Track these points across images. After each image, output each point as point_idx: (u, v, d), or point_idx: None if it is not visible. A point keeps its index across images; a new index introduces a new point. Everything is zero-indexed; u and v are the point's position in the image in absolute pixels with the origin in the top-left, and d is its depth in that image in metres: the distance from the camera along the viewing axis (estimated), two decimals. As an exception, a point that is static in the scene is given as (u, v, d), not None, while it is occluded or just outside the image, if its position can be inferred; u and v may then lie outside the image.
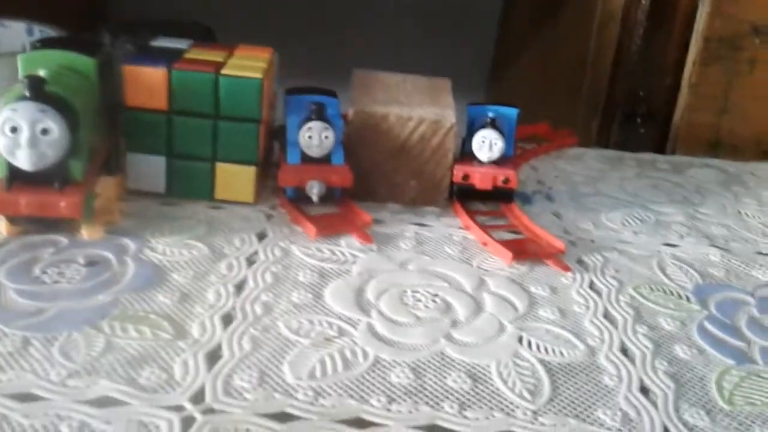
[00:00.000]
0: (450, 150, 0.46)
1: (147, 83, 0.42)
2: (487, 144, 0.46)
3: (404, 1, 1.01)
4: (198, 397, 0.29)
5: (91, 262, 0.37)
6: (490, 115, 0.46)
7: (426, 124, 0.45)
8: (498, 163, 0.46)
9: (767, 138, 0.67)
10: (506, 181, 0.46)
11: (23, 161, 0.36)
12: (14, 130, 0.35)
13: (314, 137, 0.43)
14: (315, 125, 0.43)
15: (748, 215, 0.52)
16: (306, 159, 0.44)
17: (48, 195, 0.36)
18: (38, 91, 0.35)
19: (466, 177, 0.46)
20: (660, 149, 0.68)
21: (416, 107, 0.46)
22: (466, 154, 0.47)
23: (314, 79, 0.48)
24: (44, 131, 0.35)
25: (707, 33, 0.65)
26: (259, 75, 0.42)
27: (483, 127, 0.46)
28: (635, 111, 0.69)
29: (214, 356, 0.31)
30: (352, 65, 0.53)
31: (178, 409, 0.28)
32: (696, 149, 0.66)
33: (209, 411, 0.28)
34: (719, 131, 0.67)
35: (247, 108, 0.42)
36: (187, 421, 0.27)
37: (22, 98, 0.35)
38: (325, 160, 0.44)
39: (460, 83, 0.55)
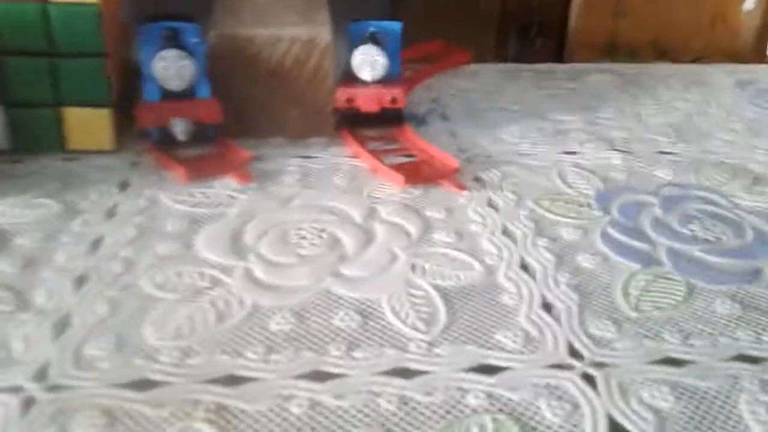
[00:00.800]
0: (329, 72, 0.42)
1: (-37, 20, 0.36)
2: (368, 61, 0.42)
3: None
4: (41, 375, 0.24)
5: None
6: (371, 29, 0.42)
7: (299, 44, 0.41)
8: (383, 82, 0.43)
9: (664, 39, 0.66)
10: (394, 100, 0.42)
11: None
12: None
13: (170, 68, 0.38)
14: (169, 54, 0.38)
15: (647, 116, 0.50)
16: (167, 95, 0.39)
17: None
18: None
19: (349, 100, 0.42)
20: (558, 60, 0.66)
21: (287, 27, 0.42)
22: (348, 77, 0.43)
23: (171, 4, 0.43)
24: None
25: (596, -68, 0.62)
26: (96, 0, 0.37)
27: (362, 43, 0.42)
28: (530, 22, 0.66)
29: (62, 325, 0.27)
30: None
31: (15, 390, 0.24)
32: (593, 56, 0.65)
33: (54, 388, 0.24)
34: (615, 36, 0.65)
35: (87, 40, 0.37)
36: (27, 403, 0.23)
37: None
38: (188, 93, 0.39)
39: (362, 5, 0.51)
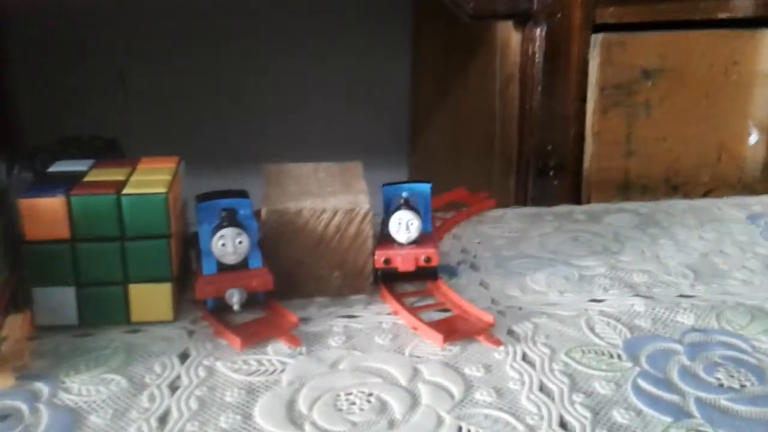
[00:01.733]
0: (368, 236, 0.46)
1: (45, 214, 0.40)
2: (404, 225, 0.46)
3: (314, 88, 1.02)
4: None
5: (1, 417, 0.35)
6: (404, 195, 0.47)
7: (340, 214, 0.45)
8: (418, 242, 0.46)
9: (674, 174, 0.70)
10: (428, 260, 0.46)
11: None
12: None
13: (228, 245, 0.42)
14: (227, 232, 0.42)
15: (665, 257, 0.53)
16: (222, 267, 0.43)
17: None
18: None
19: (387, 261, 0.46)
20: (575, 198, 0.70)
21: (329, 197, 0.46)
22: (386, 235, 0.47)
23: (227, 178, 0.48)
24: (-66, 286, 0.33)
25: (601, 82, 0.68)
26: (163, 189, 0.41)
27: (398, 209, 0.46)
28: (547, 164, 0.70)
29: (140, 506, 0.29)
30: (266, 155, 0.53)
31: None
32: (609, 193, 0.69)
33: None
34: (628, 174, 0.69)
35: (154, 225, 0.41)
36: None
37: None
38: (243, 265, 0.43)
39: (380, 158, 0.56)
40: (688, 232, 0.57)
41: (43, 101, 0.94)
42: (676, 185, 0.70)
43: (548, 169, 0.70)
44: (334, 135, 0.68)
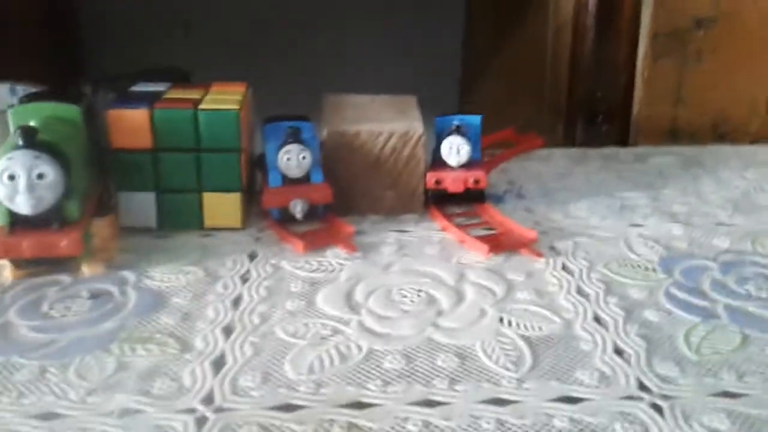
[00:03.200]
0: (421, 159, 0.49)
1: (130, 125, 0.44)
2: (455, 149, 0.49)
3: (369, 28, 1.05)
4: (208, 400, 0.31)
5: (94, 295, 0.39)
6: (456, 122, 0.50)
7: (396, 136, 0.48)
8: (467, 166, 0.49)
9: (722, 123, 0.71)
10: (476, 181, 0.49)
11: (23, 206, 0.38)
12: (12, 177, 0.38)
13: (293, 159, 0.46)
14: (292, 148, 0.46)
15: (706, 193, 0.55)
16: (287, 181, 0.47)
17: (48, 236, 0.39)
18: (31, 139, 0.38)
19: (438, 182, 0.49)
20: (623, 144, 0.71)
21: (385, 122, 0.50)
22: (437, 162, 0.50)
23: (288, 109, 0.51)
24: (40, 176, 0.38)
25: (654, 29, 0.69)
26: (235, 107, 0.45)
27: (449, 134, 0.49)
28: (596, 111, 0.72)
29: (219, 364, 0.33)
30: (323, 90, 0.56)
31: (191, 411, 0.30)
32: (656, 140, 0.70)
33: (220, 410, 0.30)
34: (676, 121, 0.71)
35: (227, 139, 0.45)
36: (200, 421, 0.29)
37: (17, 147, 0.38)
38: (305, 179, 0.47)
39: (433, 100, 0.58)
40: (731, 173, 0.59)
41: (110, 45, 1.00)
42: (723, 134, 0.71)
43: (597, 115, 0.72)
44: (387, 80, 0.70)
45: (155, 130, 0.45)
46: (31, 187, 0.38)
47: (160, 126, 0.45)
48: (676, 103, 0.71)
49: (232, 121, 0.45)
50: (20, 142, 0.38)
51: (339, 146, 0.48)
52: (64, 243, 0.39)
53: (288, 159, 0.46)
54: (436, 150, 0.50)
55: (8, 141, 0.39)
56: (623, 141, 0.72)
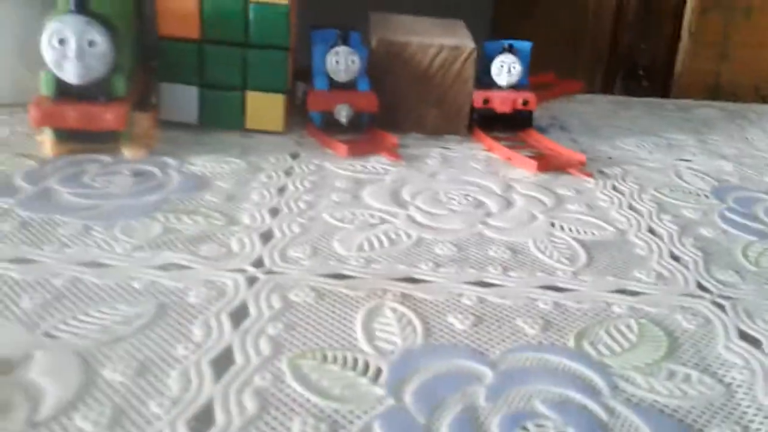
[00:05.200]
0: (470, 76, 0.48)
1: (180, 12, 0.43)
2: (506, 68, 0.48)
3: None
4: (258, 263, 0.30)
5: (137, 173, 0.39)
6: (507, 44, 0.48)
7: (446, 50, 0.47)
8: (516, 88, 0.48)
9: (765, 84, 0.70)
10: (525, 102, 0.48)
11: (70, 73, 0.37)
12: (62, 42, 0.37)
13: (341, 62, 0.45)
14: (342, 50, 0.45)
15: (753, 140, 0.54)
16: (334, 85, 0.46)
17: (94, 108, 0.38)
18: (84, 5, 0.37)
19: (486, 101, 0.48)
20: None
21: (435, 37, 0.48)
22: (485, 82, 0.49)
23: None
24: (90, 43, 0.37)
25: (704, -17, 0.68)
26: (286, 1, 0.44)
27: (501, 53, 0.48)
28: (638, 63, 0.71)
29: (267, 236, 0.33)
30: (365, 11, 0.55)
31: (241, 271, 0.29)
32: (697, 97, 0.69)
33: (270, 272, 0.29)
34: (719, 78, 0.69)
35: (276, 35, 0.44)
36: (251, 281, 0.29)
37: (69, 12, 0.37)
38: (352, 86, 0.46)
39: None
40: (778, 126, 0.58)
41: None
42: (765, 95, 0.70)
43: (638, 68, 0.71)
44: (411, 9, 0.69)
45: (204, 20, 0.44)
46: (81, 54, 0.37)
47: (208, 16, 0.44)
48: (720, 59, 0.69)
49: (283, 17, 0.44)
50: (72, 7, 0.37)
51: (388, 57, 0.47)
52: (110, 116, 0.38)
53: (336, 62, 0.45)
54: (484, 74, 0.49)
55: (59, 5, 0.38)
56: (664, 96, 0.71)
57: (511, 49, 0.48)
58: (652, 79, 0.72)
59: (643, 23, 0.70)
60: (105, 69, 0.38)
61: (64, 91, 0.38)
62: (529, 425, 0.21)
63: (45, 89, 0.38)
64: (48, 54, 0.37)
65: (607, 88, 0.72)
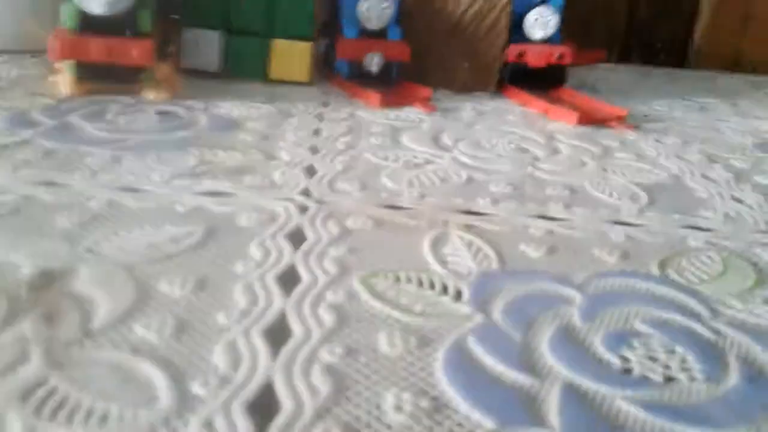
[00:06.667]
0: (504, 28, 0.46)
1: (206, -50, 0.41)
2: (542, 21, 0.46)
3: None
4: (306, 193, 0.28)
5: (162, 112, 0.36)
6: (541, -2, 0.47)
7: (480, 1, 0.45)
8: (550, 42, 0.47)
9: (785, 59, 0.69)
10: (561, 57, 0.46)
11: (96, 4, 0.35)
12: (88, -32, 0.35)
13: (373, 9, 0.43)
14: (374, -5, 0.43)
15: (786, 106, 0.53)
16: (364, 33, 0.44)
17: (120, 41, 0.36)
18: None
19: (521, 54, 0.46)
20: (681, 73, 0.69)
21: (468, -11, 0.47)
22: (518, 36, 0.47)
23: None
24: (118, -30, 0.35)
25: (724, -44, 0.67)
26: (317, -56, 0.42)
27: (536, 5, 0.46)
28: (656, 37, 0.70)
29: (310, 171, 0.31)
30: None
31: (290, 200, 0.27)
32: (716, 70, 0.68)
33: (320, 201, 0.27)
34: (739, 52, 0.68)
35: (306, -22, 0.42)
36: (303, 208, 0.27)
37: (96, -63, 0.35)
38: (383, 34, 0.44)
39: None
40: (806, 95, 0.57)
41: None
42: (785, 71, 0.69)
43: (656, 41, 0.70)
44: None
45: (231, -39, 0.42)
46: (107, -19, 0.35)
47: (236, -44, 0.42)
48: (741, 33, 0.68)
49: (314, -41, 0.42)
50: (98, -68, 0.35)
51: (420, 5, 0.45)
52: (136, 51, 0.36)
53: (368, 8, 0.43)
54: (516, 29, 0.47)
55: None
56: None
57: (546, 1, 0.46)
58: (669, 53, 0.70)
59: (662, -4, 0.68)
60: (131, 3, 0.36)
61: (89, 24, 0.36)
62: (636, 342, 0.19)
63: (68, 21, 0.36)
64: (71, -19, 0.35)
65: (623, 62, 0.71)
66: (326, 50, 0.48)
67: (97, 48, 0.35)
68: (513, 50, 0.46)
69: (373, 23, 0.43)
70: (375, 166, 0.32)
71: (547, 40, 0.46)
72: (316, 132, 0.36)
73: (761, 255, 0.26)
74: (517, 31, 0.47)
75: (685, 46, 0.70)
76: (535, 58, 0.46)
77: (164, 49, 0.43)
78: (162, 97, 0.38)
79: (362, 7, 0.43)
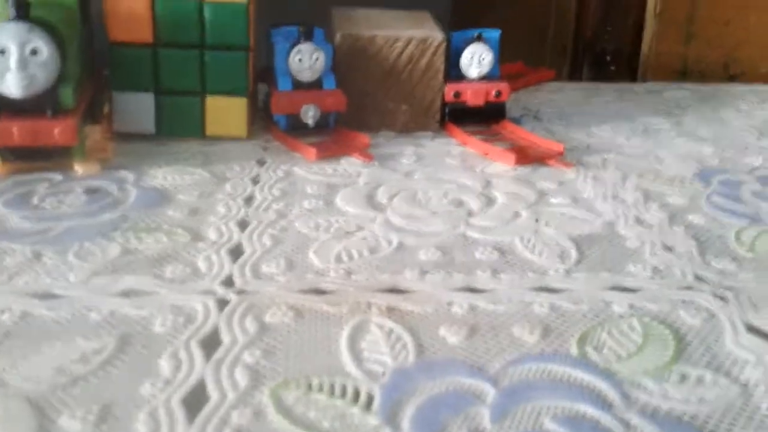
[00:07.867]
0: (439, 70, 0.46)
1: (130, 15, 0.41)
2: (476, 59, 0.46)
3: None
4: (228, 283, 0.28)
5: (91, 190, 0.36)
6: (477, 32, 0.46)
7: (414, 43, 0.45)
8: (487, 79, 0.46)
9: (733, 62, 0.69)
10: (498, 94, 0.46)
11: (13, 85, 0.34)
12: (2, 52, 0.34)
13: (305, 60, 0.43)
14: (305, 47, 0.42)
15: (729, 120, 0.53)
16: (298, 85, 0.43)
17: (41, 122, 0.35)
18: (24, 12, 0.34)
19: (457, 94, 0.46)
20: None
21: (402, 30, 0.46)
22: (454, 75, 0.47)
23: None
24: (33, 52, 0.34)
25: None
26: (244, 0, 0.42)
27: (471, 43, 0.46)
28: (604, 48, 0.70)
29: (236, 252, 0.30)
30: (326, 6, 0.52)
31: (210, 293, 0.27)
32: (666, 79, 0.68)
33: (242, 292, 0.27)
34: (686, 59, 0.68)
35: (235, 35, 0.42)
36: (222, 303, 0.26)
37: (9, 20, 0.34)
38: (317, 85, 0.44)
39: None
40: (750, 106, 0.57)
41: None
42: (734, 74, 0.69)
43: (605, 53, 0.70)
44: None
45: (157, 23, 0.41)
46: (23, 64, 0.34)
47: (161, 17, 0.41)
48: (687, 39, 0.68)
49: (241, 15, 0.41)
50: (13, 14, 0.34)
51: (353, 52, 0.45)
52: (58, 130, 0.35)
53: (300, 60, 0.43)
54: (452, 66, 0.47)
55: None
56: (632, 81, 0.70)
57: (480, 38, 0.46)
58: (619, 64, 0.70)
59: (607, 6, 0.68)
60: (50, 79, 0.35)
61: (6, 106, 0.35)
62: (541, 448, 0.19)
63: (-15, 105, 0.35)
64: (-15, 66, 0.34)
65: (574, 76, 0.71)
66: (266, 98, 0.47)
67: (18, 131, 0.35)
68: (450, 90, 0.46)
69: (306, 75, 0.43)
70: (305, 238, 0.32)
71: (486, 77, 0.46)
72: (249, 200, 0.36)
73: (684, 318, 0.26)
74: (454, 70, 0.47)
75: (635, 56, 0.70)
76: (474, 96, 0.46)
77: (96, 112, 0.42)
78: (93, 170, 0.38)
79: (294, 60, 0.43)
